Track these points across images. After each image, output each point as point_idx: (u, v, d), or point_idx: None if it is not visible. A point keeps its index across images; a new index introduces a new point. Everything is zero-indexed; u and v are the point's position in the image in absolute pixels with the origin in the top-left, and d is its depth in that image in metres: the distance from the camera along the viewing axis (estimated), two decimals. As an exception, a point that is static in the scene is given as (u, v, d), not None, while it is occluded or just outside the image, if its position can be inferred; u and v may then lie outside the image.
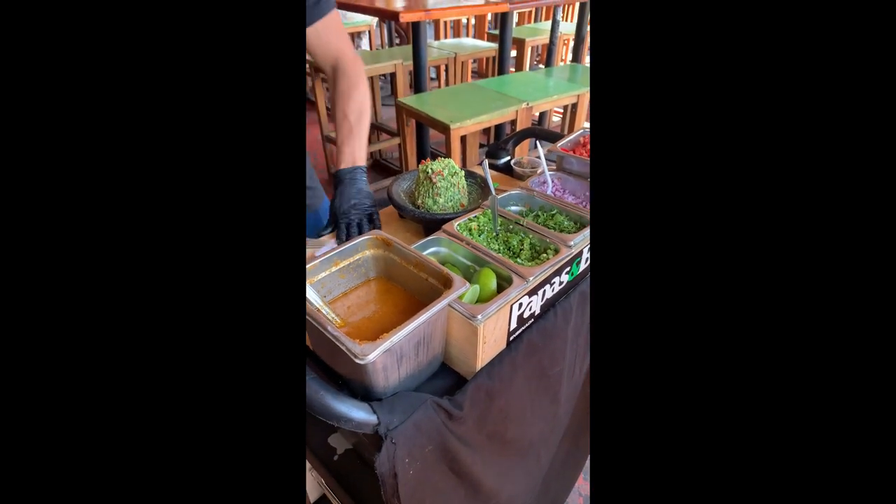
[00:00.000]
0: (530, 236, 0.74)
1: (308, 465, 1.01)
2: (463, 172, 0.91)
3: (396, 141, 2.79)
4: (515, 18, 4.36)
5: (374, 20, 3.62)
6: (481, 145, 2.92)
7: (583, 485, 1.36)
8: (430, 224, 0.83)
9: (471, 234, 0.75)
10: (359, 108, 0.86)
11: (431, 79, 4.01)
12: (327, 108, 3.13)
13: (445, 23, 4.40)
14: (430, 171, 0.86)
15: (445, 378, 0.64)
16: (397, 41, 4.47)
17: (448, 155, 1.96)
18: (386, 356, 0.51)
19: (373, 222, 0.80)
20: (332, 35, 0.84)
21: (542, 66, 4.23)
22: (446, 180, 0.86)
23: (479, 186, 0.96)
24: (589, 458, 1.36)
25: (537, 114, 2.24)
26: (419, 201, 0.88)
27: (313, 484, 1.12)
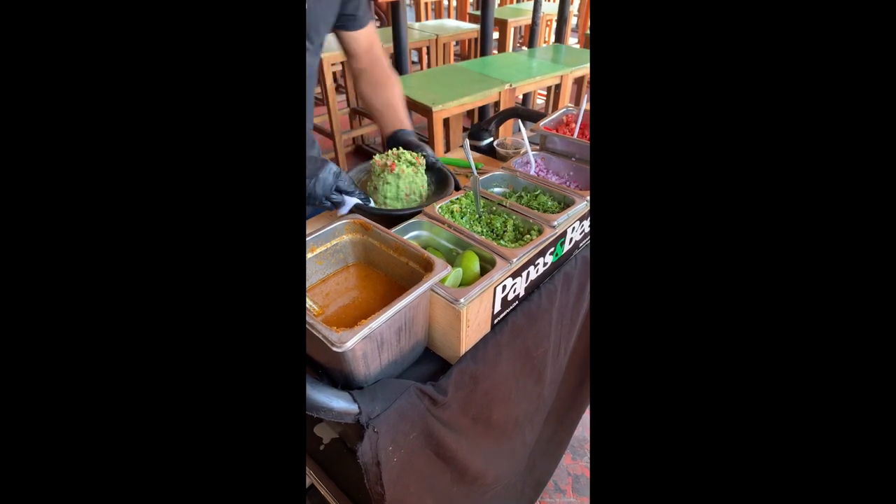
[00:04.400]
0: (514, 217, 0.73)
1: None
2: (416, 167, 0.84)
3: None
4: (497, -1, 4.29)
5: (352, 1, 3.53)
6: (465, 129, 2.88)
7: (571, 464, 1.38)
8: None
9: (453, 217, 0.73)
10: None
11: (413, 62, 3.93)
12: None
13: (426, 4, 4.31)
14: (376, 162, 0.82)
15: (429, 363, 0.63)
16: (377, 24, 4.37)
17: (431, 139, 1.93)
18: (365, 343, 0.50)
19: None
20: (373, 39, 1.02)
21: (524, 47, 4.18)
22: (380, 176, 0.81)
23: (439, 179, 0.89)
24: (574, 435, 1.38)
25: (520, 96, 2.21)
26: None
27: (300, 473, 1.11)
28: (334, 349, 0.46)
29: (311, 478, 1.07)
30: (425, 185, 0.86)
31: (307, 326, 0.48)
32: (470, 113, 3.06)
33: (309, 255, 0.61)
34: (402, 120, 0.97)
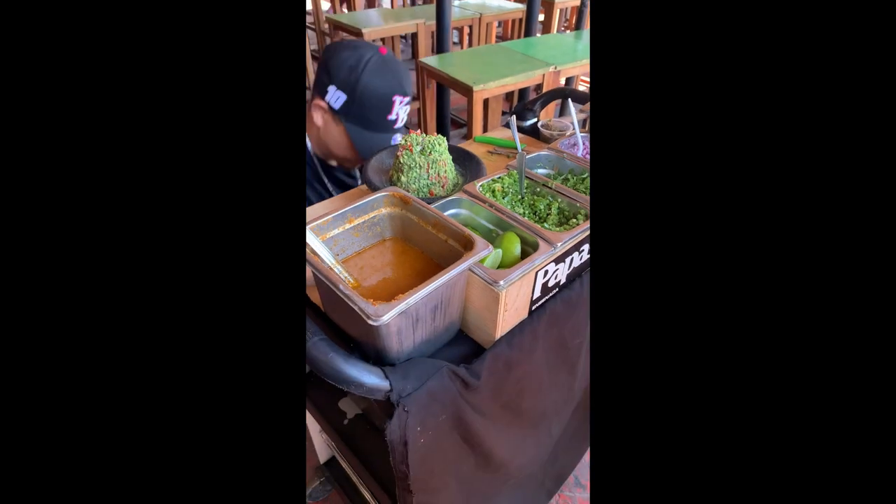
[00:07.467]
0: (559, 200, 0.69)
1: (318, 427, 1.01)
2: (449, 156, 0.77)
3: (415, 105, 2.70)
4: (545, -22, 4.13)
5: (396, -23, 3.47)
6: (503, 112, 2.81)
7: (592, 460, 1.35)
8: None
9: (494, 196, 0.70)
10: None
11: (454, 42, 3.85)
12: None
13: (470, -18, 4.19)
14: (404, 142, 0.75)
15: (461, 346, 0.61)
16: (420, 0, 4.29)
17: (469, 120, 1.88)
18: (401, 319, 0.48)
19: None
20: None
21: (569, 31, 4.03)
22: (412, 158, 0.74)
23: (467, 172, 0.82)
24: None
25: (563, 79, 2.13)
26: (394, 177, 0.78)
27: (322, 446, 1.12)
28: (370, 322, 0.44)
29: (332, 450, 1.09)
30: (445, 177, 0.78)
31: (343, 298, 0.46)
32: (509, 96, 2.99)
33: (346, 227, 0.60)
34: None
